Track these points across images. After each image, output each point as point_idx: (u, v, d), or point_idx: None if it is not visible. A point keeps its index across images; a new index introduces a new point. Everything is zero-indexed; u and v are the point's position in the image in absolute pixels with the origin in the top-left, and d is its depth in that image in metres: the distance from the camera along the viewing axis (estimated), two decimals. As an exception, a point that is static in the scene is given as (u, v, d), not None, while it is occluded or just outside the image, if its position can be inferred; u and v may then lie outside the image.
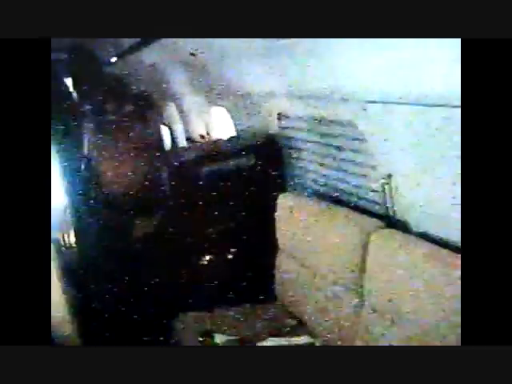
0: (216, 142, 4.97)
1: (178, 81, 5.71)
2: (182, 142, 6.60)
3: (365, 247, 2.81)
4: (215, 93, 4.97)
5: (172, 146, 6.78)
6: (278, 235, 3.73)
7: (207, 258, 4.07)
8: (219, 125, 5.48)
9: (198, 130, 6.02)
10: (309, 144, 3.76)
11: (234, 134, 4.83)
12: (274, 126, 4.07)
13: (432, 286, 2.34)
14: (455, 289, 2.04)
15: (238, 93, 4.39)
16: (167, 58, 5.31)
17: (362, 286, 2.86)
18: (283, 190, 3.92)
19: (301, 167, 3.97)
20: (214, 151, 4.20)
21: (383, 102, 2.62)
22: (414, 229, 2.79)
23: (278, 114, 3.99)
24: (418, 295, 2.40)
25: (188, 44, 4.31)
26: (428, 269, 2.38)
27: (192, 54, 4.39)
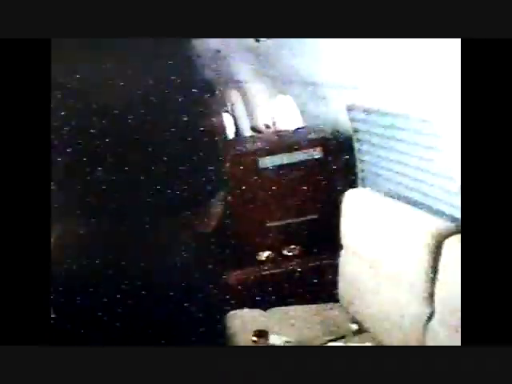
0: (281, 132, 4.75)
1: (243, 68, 5.54)
2: (247, 131, 6.45)
3: (438, 252, 2.59)
4: (281, 81, 4.79)
5: (236, 134, 6.65)
6: (343, 233, 3.53)
7: (266, 254, 3.90)
8: (285, 114, 5.28)
9: (263, 119, 5.84)
10: (381, 139, 3.53)
11: (300, 124, 4.63)
12: (343, 118, 3.85)
13: None
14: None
15: (305, 82, 4.21)
16: (232, 44, 5.14)
17: (432, 294, 2.64)
18: (352, 185, 3.69)
19: (372, 163, 3.74)
20: (278, 142, 4.01)
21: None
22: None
23: (348, 106, 3.77)
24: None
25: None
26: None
27: (257, 41, 4.21)
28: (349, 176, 3.79)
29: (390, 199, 3.34)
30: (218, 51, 5.52)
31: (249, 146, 4.18)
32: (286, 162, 3.81)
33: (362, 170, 3.81)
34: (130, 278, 2.74)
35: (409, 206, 3.14)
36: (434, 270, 2.60)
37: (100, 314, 2.43)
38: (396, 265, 2.91)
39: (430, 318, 2.67)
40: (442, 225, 2.72)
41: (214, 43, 5.37)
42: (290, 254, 3.89)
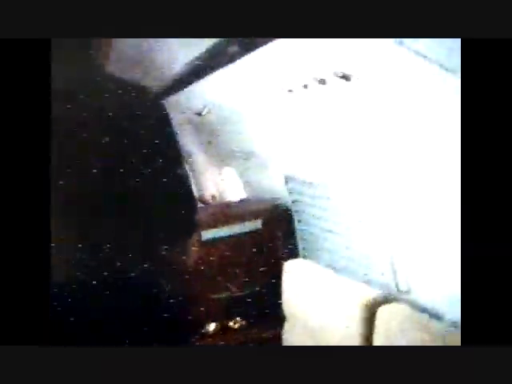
0: (224, 204, 4.80)
1: (188, 140, 5.63)
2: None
3: (371, 322, 2.62)
4: (224, 153, 4.87)
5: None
6: (285, 304, 3.54)
7: (212, 326, 3.88)
8: (230, 186, 5.34)
9: (209, 190, 5.90)
10: (318, 210, 3.60)
11: (243, 196, 4.69)
12: (281, 189, 3.92)
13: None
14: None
15: (247, 153, 4.29)
16: (175, 117, 5.22)
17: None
18: (292, 256, 3.72)
19: (311, 233, 3.79)
20: (221, 214, 4.05)
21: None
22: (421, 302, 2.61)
23: (285, 177, 3.85)
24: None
25: (195, 103, 4.22)
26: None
27: (199, 114, 4.30)
28: (289, 247, 3.83)
29: (328, 270, 3.39)
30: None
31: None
32: (227, 234, 3.83)
33: (302, 241, 3.86)
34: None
35: (345, 276, 3.18)
36: (368, 340, 2.62)
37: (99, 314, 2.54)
38: (334, 336, 2.92)
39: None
40: (374, 294, 2.76)
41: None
42: (235, 326, 3.87)
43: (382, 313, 2.57)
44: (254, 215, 3.87)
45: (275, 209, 3.91)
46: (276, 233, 3.82)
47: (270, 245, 3.81)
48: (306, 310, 3.28)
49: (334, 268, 3.39)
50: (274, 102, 3.06)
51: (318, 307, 3.15)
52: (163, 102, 5.70)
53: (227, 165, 5.12)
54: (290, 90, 2.85)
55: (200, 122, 4.78)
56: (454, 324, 2.31)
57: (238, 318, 3.87)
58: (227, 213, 4.12)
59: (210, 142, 5.12)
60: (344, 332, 2.79)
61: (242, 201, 4.49)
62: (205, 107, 4.11)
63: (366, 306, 2.67)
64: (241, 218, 3.90)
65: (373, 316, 2.61)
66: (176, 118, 5.32)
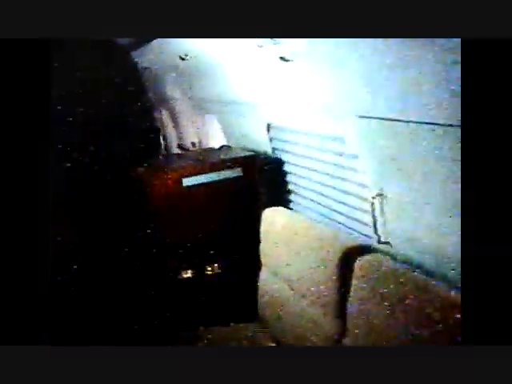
0: (206, 151, 4.76)
1: (171, 86, 5.55)
2: (175, 149, 6.44)
3: (349, 271, 2.62)
4: (206, 100, 4.82)
5: (165, 151, 6.64)
6: (262, 251, 3.55)
7: (189, 273, 3.88)
8: (211, 133, 5.29)
9: (190, 137, 5.85)
10: (298, 158, 3.58)
11: (224, 143, 4.66)
12: (263, 137, 3.89)
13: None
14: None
15: (228, 101, 4.24)
16: (159, 62, 5.15)
17: (344, 313, 2.66)
18: (272, 204, 3.69)
19: (290, 182, 3.78)
20: (202, 161, 4.00)
21: (376, 118, 2.45)
22: (401, 253, 2.61)
23: (267, 125, 3.82)
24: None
25: (179, 48, 4.15)
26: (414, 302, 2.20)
27: (182, 59, 4.23)
28: (269, 195, 3.82)
29: (307, 218, 3.39)
30: (146, 68, 5.53)
31: (174, 164, 4.15)
32: (208, 180, 3.80)
33: (283, 189, 3.85)
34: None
35: (325, 224, 3.19)
36: (345, 288, 2.64)
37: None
38: (311, 283, 2.93)
39: (341, 336, 2.69)
40: (353, 243, 2.76)
41: (143, 60, 5.37)
42: (211, 272, 3.87)
43: (362, 262, 2.57)
44: (235, 162, 3.83)
45: (256, 157, 3.87)
46: (256, 180, 3.79)
47: (250, 192, 3.79)
48: (283, 257, 3.28)
49: (313, 217, 3.40)
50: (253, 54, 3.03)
51: (295, 255, 3.14)
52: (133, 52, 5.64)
53: (208, 112, 5.07)
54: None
55: (183, 69, 4.71)
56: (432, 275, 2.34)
57: (214, 265, 3.87)
58: (207, 160, 4.07)
59: (191, 88, 5.05)
60: (322, 280, 2.79)
61: (222, 148, 4.45)
62: (187, 55, 4.06)
63: (345, 254, 2.67)
64: (221, 165, 3.86)
65: (351, 265, 2.60)
66: (159, 65, 5.27)
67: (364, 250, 2.69)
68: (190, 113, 5.58)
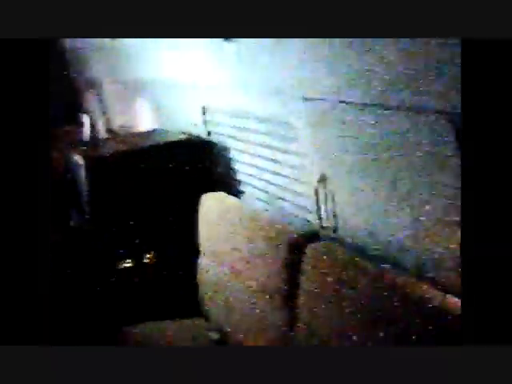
0: (136, 134, 4.59)
1: (99, 67, 5.33)
2: (103, 133, 6.22)
3: (297, 260, 2.54)
4: (137, 82, 4.64)
5: (92, 135, 6.41)
6: (201, 238, 3.44)
7: (128, 262, 3.73)
8: (141, 116, 5.12)
9: (118, 120, 5.64)
10: (235, 141, 3.48)
11: (155, 126, 4.49)
12: (198, 121, 3.77)
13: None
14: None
15: (161, 83, 4.09)
16: (85, 43, 4.93)
17: (293, 301, 2.58)
18: (209, 190, 3.57)
19: (228, 166, 3.67)
20: (132, 145, 3.85)
21: (320, 99, 2.37)
22: (348, 239, 2.54)
23: (203, 108, 3.69)
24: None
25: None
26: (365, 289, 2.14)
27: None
28: (205, 180, 3.70)
29: (245, 203, 3.29)
30: (74, 48, 5.31)
31: (104, 149, 3.99)
32: (142, 165, 3.65)
33: (219, 174, 3.74)
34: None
35: (270, 212, 3.10)
36: (293, 276, 2.56)
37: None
38: (255, 272, 2.84)
39: (291, 327, 2.60)
40: (301, 231, 2.68)
41: (71, 41, 5.14)
42: (150, 261, 3.74)
43: (311, 250, 2.50)
44: (169, 147, 3.69)
45: (188, 141, 3.74)
46: (191, 165, 3.66)
47: (186, 178, 3.65)
48: (222, 245, 3.19)
49: (257, 204, 3.31)
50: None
51: (236, 243, 3.05)
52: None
53: (139, 95, 4.90)
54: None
55: (111, 50, 4.53)
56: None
57: (152, 253, 3.74)
58: (138, 144, 3.91)
59: (119, 70, 4.87)
60: (266, 270, 2.72)
61: (154, 131, 4.28)
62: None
63: (294, 242, 2.59)
64: (153, 149, 3.71)
65: (300, 254, 2.53)
66: (86, 46, 5.06)
67: (313, 237, 2.61)
68: (118, 95, 5.38)
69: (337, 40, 2.04)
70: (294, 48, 2.33)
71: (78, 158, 3.63)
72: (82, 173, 3.59)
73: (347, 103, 2.22)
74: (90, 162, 3.58)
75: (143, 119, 5.03)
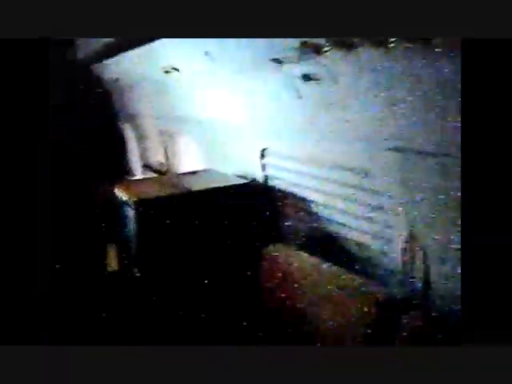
0: (188, 174, 4.22)
1: (141, 100, 5.12)
2: (137, 168, 6.02)
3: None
4: (182, 118, 4.42)
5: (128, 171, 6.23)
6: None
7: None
8: (182, 154, 4.87)
9: (156, 157, 5.41)
10: (302, 190, 3.21)
11: (201, 167, 4.24)
12: (256, 165, 3.54)
13: None
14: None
15: (211, 121, 3.87)
16: (133, 73, 4.71)
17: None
18: (271, 241, 3.28)
19: (289, 216, 3.41)
20: (182, 188, 3.58)
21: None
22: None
23: (262, 150, 3.45)
24: None
25: (162, 59, 3.76)
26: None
27: (166, 72, 3.83)
28: (266, 229, 3.44)
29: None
30: (117, 80, 5.09)
31: (156, 189, 3.71)
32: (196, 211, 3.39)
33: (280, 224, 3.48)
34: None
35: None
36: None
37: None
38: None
39: None
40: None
41: (114, 69, 4.93)
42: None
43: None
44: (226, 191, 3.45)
45: (249, 185, 3.51)
46: (250, 211, 3.41)
47: (243, 226, 3.40)
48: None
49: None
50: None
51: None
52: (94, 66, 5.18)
53: (182, 131, 4.69)
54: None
55: (159, 82, 4.32)
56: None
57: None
58: (186, 186, 3.62)
59: (165, 105, 4.66)
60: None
61: (204, 172, 4.01)
62: (175, 68, 3.69)
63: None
64: (207, 194, 3.45)
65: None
66: (132, 77, 4.86)
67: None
68: (159, 130, 5.17)
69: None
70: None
71: (130, 198, 3.40)
72: (131, 213, 3.35)
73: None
74: (145, 204, 3.33)
75: (186, 158, 4.82)
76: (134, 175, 6.14)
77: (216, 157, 4.15)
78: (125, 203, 3.42)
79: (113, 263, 3.86)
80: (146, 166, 5.69)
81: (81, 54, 5.44)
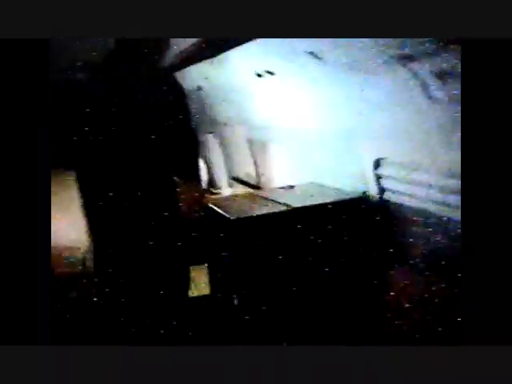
0: (289, 189, 3.84)
1: (227, 109, 4.78)
2: (222, 181, 5.70)
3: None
4: (273, 128, 4.06)
5: (210, 183, 5.90)
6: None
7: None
8: (276, 167, 4.51)
9: (244, 167, 5.05)
10: (424, 203, 2.80)
11: (297, 181, 3.83)
12: (369, 176, 3.14)
13: None
14: None
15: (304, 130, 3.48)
16: (220, 81, 4.37)
17: None
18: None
19: (408, 233, 3.00)
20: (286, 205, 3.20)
21: None
22: None
23: (376, 161, 3.05)
24: None
25: (253, 63, 3.40)
26: None
27: (259, 75, 3.47)
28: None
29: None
30: (200, 88, 4.77)
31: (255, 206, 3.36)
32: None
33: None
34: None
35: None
36: None
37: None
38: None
39: None
40: None
41: (196, 78, 4.61)
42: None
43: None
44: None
45: (363, 200, 3.14)
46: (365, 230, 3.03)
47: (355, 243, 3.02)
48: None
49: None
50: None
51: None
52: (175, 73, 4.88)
53: (274, 142, 4.33)
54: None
55: (250, 89, 3.97)
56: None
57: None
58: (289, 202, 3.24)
59: (251, 113, 4.31)
60: None
61: (308, 187, 3.62)
62: (271, 72, 3.34)
63: None
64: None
65: None
66: (220, 83, 4.53)
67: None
68: (248, 139, 4.81)
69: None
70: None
71: (228, 214, 3.08)
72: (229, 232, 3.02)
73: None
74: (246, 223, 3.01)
75: (278, 170, 4.46)
76: (218, 188, 5.83)
77: (311, 169, 3.80)
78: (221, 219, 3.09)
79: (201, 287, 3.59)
80: (234, 179, 5.36)
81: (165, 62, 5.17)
